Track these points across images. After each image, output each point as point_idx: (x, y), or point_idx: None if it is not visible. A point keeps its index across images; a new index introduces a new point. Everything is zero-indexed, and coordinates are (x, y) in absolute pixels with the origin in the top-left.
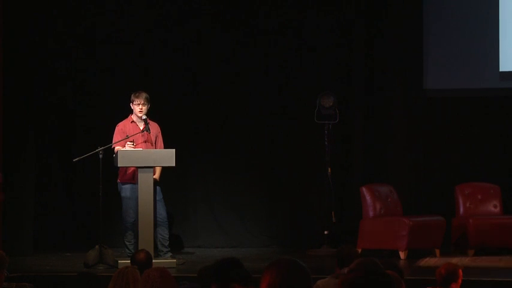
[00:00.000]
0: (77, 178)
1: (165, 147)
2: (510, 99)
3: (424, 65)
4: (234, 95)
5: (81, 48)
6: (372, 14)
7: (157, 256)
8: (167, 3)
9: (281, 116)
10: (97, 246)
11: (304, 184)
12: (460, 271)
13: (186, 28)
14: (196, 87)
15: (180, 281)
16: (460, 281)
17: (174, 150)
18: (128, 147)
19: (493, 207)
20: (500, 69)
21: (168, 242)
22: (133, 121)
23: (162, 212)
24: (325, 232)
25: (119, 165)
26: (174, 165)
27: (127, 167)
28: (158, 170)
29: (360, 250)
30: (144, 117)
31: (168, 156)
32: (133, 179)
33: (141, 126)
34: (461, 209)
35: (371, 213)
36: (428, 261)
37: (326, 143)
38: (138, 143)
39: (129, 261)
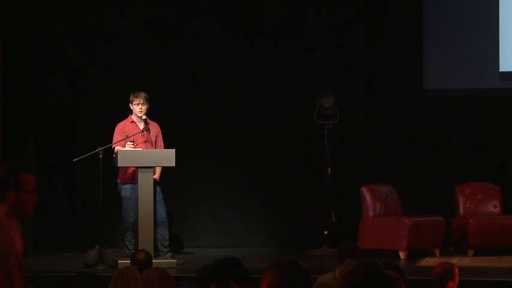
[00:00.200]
0: (77, 178)
1: (165, 147)
2: (510, 99)
3: (424, 65)
4: (234, 95)
5: (81, 48)
6: (371, 14)
7: (157, 256)
8: (167, 3)
9: (281, 116)
10: (97, 246)
11: (304, 184)
12: (456, 269)
13: (186, 28)
14: (196, 87)
15: (179, 281)
16: (457, 279)
17: (174, 150)
18: (128, 147)
19: (493, 207)
20: (500, 69)
21: (168, 242)
22: (133, 121)
23: (162, 212)
24: (325, 232)
25: (119, 165)
26: (174, 165)
27: (127, 167)
28: (158, 170)
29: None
30: (144, 117)
31: (168, 156)
32: (133, 179)
33: (141, 126)
34: (461, 209)
35: (371, 213)
36: (428, 261)
37: (326, 143)
38: (138, 143)
39: (129, 261)
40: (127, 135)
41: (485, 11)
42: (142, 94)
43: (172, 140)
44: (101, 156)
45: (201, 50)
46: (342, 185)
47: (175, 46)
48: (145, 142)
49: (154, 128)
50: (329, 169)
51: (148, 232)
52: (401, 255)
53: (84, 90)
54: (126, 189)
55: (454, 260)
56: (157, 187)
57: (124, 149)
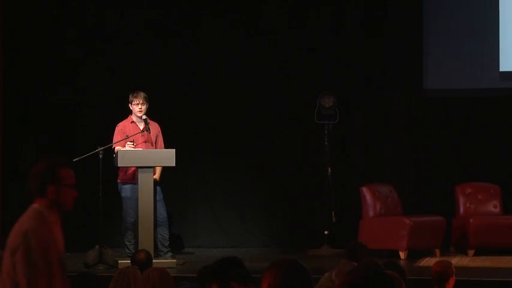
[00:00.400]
0: (77, 178)
1: (165, 147)
2: (510, 99)
3: (424, 65)
4: (234, 95)
5: (81, 48)
6: (372, 14)
7: (157, 256)
8: (167, 3)
9: (281, 116)
10: (97, 246)
11: (304, 184)
12: (452, 265)
13: (186, 28)
14: (196, 87)
15: (179, 281)
16: (454, 276)
17: (174, 150)
18: (128, 147)
19: (493, 207)
20: (500, 69)
21: (168, 242)
22: (133, 121)
23: (162, 212)
24: (325, 232)
25: (119, 165)
26: (174, 165)
27: (127, 167)
28: (158, 170)
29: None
30: (144, 117)
31: (168, 156)
32: (133, 179)
33: (141, 126)
34: (462, 209)
35: (371, 213)
36: (428, 261)
37: (326, 143)
38: (138, 143)
39: (129, 261)
40: (127, 135)
41: (485, 11)
42: (142, 94)
43: (172, 140)
44: (101, 156)
45: (201, 50)
46: (342, 185)
47: (175, 46)
48: (146, 142)
49: (155, 128)
50: (329, 169)
51: (149, 232)
52: (402, 255)
53: (84, 90)
54: (126, 189)
55: (454, 260)
56: (158, 187)
57: (124, 149)
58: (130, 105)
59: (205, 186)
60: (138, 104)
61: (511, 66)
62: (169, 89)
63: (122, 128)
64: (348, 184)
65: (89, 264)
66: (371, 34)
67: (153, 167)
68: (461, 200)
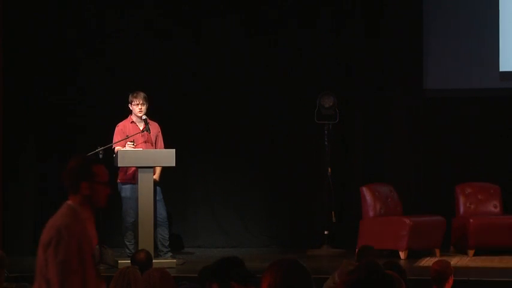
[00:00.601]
0: None
1: (165, 147)
2: (510, 99)
3: (424, 65)
4: (234, 95)
5: (81, 48)
6: (372, 14)
7: (157, 256)
8: (167, 3)
9: (281, 116)
10: (97, 246)
11: (304, 184)
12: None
13: (186, 28)
14: (196, 87)
15: (180, 281)
16: (452, 275)
17: (174, 150)
18: (128, 147)
19: (493, 207)
20: (500, 69)
21: (168, 242)
22: (133, 121)
23: (162, 212)
24: (325, 232)
25: (119, 165)
26: (174, 165)
27: (127, 167)
28: (158, 170)
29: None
30: (144, 117)
31: (168, 156)
32: (133, 179)
33: (141, 126)
34: (462, 209)
35: (371, 213)
36: (428, 261)
37: (326, 143)
38: (138, 143)
39: (129, 261)
40: (127, 135)
41: (485, 11)
42: (142, 94)
43: (172, 140)
44: (101, 156)
45: (201, 50)
46: (342, 185)
47: (176, 46)
48: (146, 142)
49: (155, 127)
50: (329, 169)
51: (149, 232)
52: (402, 255)
53: (84, 90)
54: (126, 189)
55: (454, 260)
56: (158, 187)
57: (124, 149)
58: (130, 106)
59: (205, 186)
60: (138, 104)
61: (511, 66)
62: (169, 89)
63: (121, 128)
64: (348, 184)
65: None
66: (371, 34)
67: (153, 167)
68: (461, 200)
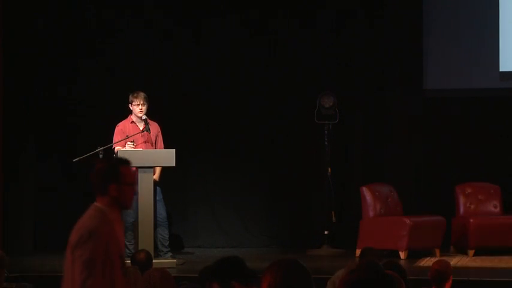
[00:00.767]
0: (77, 178)
1: (165, 147)
2: (510, 99)
3: (424, 65)
4: (234, 95)
5: (81, 48)
6: (371, 14)
7: (157, 256)
8: (167, 3)
9: (281, 116)
10: None
11: (304, 184)
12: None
13: (186, 28)
14: (196, 87)
15: (180, 281)
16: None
17: (174, 150)
18: (128, 147)
19: (493, 207)
20: (500, 69)
21: (168, 242)
22: (133, 121)
23: (162, 212)
24: (325, 232)
25: None
26: (174, 165)
27: None
28: (158, 170)
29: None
30: (144, 117)
31: (168, 156)
32: None
33: (141, 126)
34: (462, 209)
35: (371, 213)
36: (428, 261)
37: (326, 143)
38: (138, 143)
39: (129, 261)
40: (127, 135)
41: (485, 11)
42: (142, 94)
43: (172, 140)
44: (101, 156)
45: (201, 50)
46: (342, 185)
47: (176, 46)
48: (146, 142)
49: (154, 128)
50: (329, 169)
51: (149, 232)
52: (402, 255)
53: (84, 90)
54: None
55: (454, 260)
56: (157, 187)
57: (124, 149)
58: (130, 106)
59: (205, 186)
60: (138, 104)
61: (511, 66)
62: (169, 89)
63: (121, 128)
64: (348, 184)
65: None
66: (371, 34)
67: (153, 167)
68: (461, 200)
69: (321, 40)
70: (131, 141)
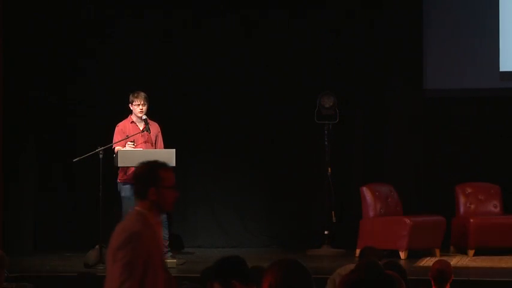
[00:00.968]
0: (77, 178)
1: (165, 147)
2: (510, 99)
3: (424, 65)
4: (234, 95)
5: (81, 48)
6: (371, 14)
7: None
8: (167, 3)
9: (281, 116)
10: (97, 246)
11: (304, 184)
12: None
13: (186, 28)
14: (196, 87)
15: (180, 281)
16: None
17: (174, 150)
18: (128, 147)
19: (493, 207)
20: (500, 69)
21: (168, 242)
22: (133, 121)
23: None
24: (325, 232)
25: (119, 165)
26: (174, 165)
27: (127, 167)
28: None
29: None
30: (144, 117)
31: (168, 156)
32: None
33: (141, 126)
34: (462, 209)
35: (371, 213)
36: (428, 261)
37: (326, 143)
38: (138, 143)
39: None
40: (127, 135)
41: (485, 11)
42: (142, 94)
43: (172, 140)
44: (101, 156)
45: (201, 50)
46: (342, 185)
47: (176, 46)
48: (146, 142)
49: (154, 127)
50: (329, 169)
51: None
52: (402, 255)
53: (84, 90)
54: (126, 189)
55: (454, 260)
56: None
57: (124, 149)
58: (130, 106)
59: (205, 186)
60: (139, 104)
61: (511, 66)
62: (169, 89)
63: (121, 128)
64: (348, 184)
65: (89, 264)
66: (371, 34)
67: None
68: (461, 200)
69: (321, 40)
70: (131, 141)
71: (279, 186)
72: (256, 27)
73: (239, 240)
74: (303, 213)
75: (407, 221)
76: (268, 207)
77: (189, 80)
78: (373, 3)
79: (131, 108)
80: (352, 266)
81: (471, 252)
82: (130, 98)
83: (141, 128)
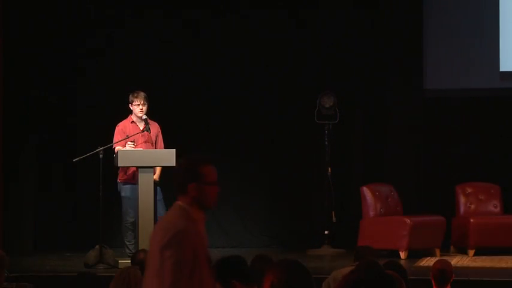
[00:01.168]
0: (77, 178)
1: (165, 147)
2: (510, 99)
3: (424, 65)
4: (234, 95)
5: (81, 48)
6: (371, 14)
7: None
8: (167, 3)
9: (281, 116)
10: (97, 246)
11: (304, 184)
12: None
13: (186, 28)
14: (196, 87)
15: None
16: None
17: (174, 150)
18: (129, 147)
19: (493, 207)
20: (500, 69)
21: None
22: (133, 121)
23: (162, 212)
24: (325, 232)
25: (119, 165)
26: (174, 165)
27: (127, 167)
28: (158, 170)
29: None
30: (144, 117)
31: (168, 156)
32: (133, 179)
33: (141, 126)
34: (462, 209)
35: (371, 213)
36: (428, 261)
37: (326, 143)
38: (138, 143)
39: (129, 261)
40: (127, 135)
41: (485, 11)
42: (142, 94)
43: (172, 140)
44: (101, 156)
45: (201, 50)
46: (342, 185)
47: (176, 46)
48: (146, 142)
49: (155, 127)
50: (329, 169)
51: (149, 232)
52: (402, 255)
53: (84, 90)
54: (126, 189)
55: (454, 260)
56: (158, 187)
57: (124, 149)
58: (130, 106)
59: None
60: (139, 104)
61: (511, 66)
62: (169, 89)
63: (122, 128)
64: (348, 184)
65: (89, 264)
66: (371, 34)
67: (153, 167)
68: (461, 200)
69: (321, 40)
70: (131, 141)
71: (279, 186)
72: (256, 27)
73: (239, 240)
74: (303, 213)
75: (408, 221)
76: (268, 207)
77: (189, 80)
78: (373, 3)
79: (131, 108)
80: (347, 270)
81: (471, 252)
82: (130, 98)
83: (141, 128)
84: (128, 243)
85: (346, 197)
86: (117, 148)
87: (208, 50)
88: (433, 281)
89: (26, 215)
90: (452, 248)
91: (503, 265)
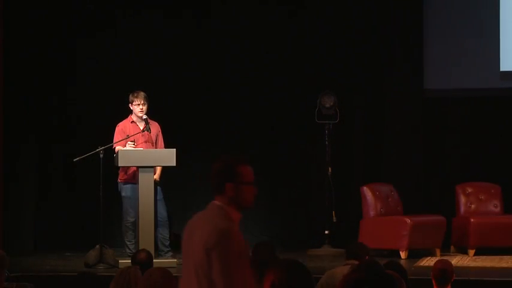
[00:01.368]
0: (77, 178)
1: (166, 146)
2: (510, 99)
3: (424, 65)
4: (234, 95)
5: (81, 48)
6: (371, 14)
7: (158, 256)
8: (167, 3)
9: (281, 116)
10: (98, 246)
11: (304, 184)
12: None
13: (186, 28)
14: (196, 87)
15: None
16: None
17: (174, 150)
18: (129, 147)
19: (494, 206)
20: (501, 69)
21: (168, 242)
22: (133, 121)
23: (162, 212)
24: (326, 232)
25: (119, 165)
26: (174, 164)
27: (127, 167)
28: (158, 170)
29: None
30: (144, 116)
31: (168, 156)
32: (133, 178)
33: (141, 126)
34: (462, 209)
35: (371, 213)
36: (428, 261)
37: (326, 143)
38: (138, 143)
39: (129, 260)
40: (127, 135)
41: (485, 10)
42: (142, 94)
43: (172, 140)
44: (101, 156)
45: (201, 50)
46: (342, 185)
47: (176, 46)
48: (146, 142)
49: (155, 127)
50: (329, 169)
51: (149, 232)
52: (402, 254)
53: (84, 90)
54: (126, 189)
55: (455, 260)
56: (158, 187)
57: (125, 148)
58: (130, 105)
59: (205, 186)
60: (139, 104)
61: (511, 66)
62: (169, 89)
63: (122, 127)
64: (348, 184)
65: (90, 264)
66: (371, 34)
67: (154, 167)
68: (461, 200)
69: (321, 40)
70: (132, 141)
71: (279, 186)
72: (256, 26)
73: None
74: (303, 213)
75: (408, 220)
76: (268, 207)
77: (189, 80)
78: (373, 3)
79: (131, 108)
80: (341, 269)
81: (471, 252)
82: (130, 98)
83: (141, 128)
84: (128, 243)
85: (346, 196)
86: (118, 148)
87: (208, 49)
88: (433, 281)
89: (26, 215)
90: (452, 247)
91: (504, 265)
